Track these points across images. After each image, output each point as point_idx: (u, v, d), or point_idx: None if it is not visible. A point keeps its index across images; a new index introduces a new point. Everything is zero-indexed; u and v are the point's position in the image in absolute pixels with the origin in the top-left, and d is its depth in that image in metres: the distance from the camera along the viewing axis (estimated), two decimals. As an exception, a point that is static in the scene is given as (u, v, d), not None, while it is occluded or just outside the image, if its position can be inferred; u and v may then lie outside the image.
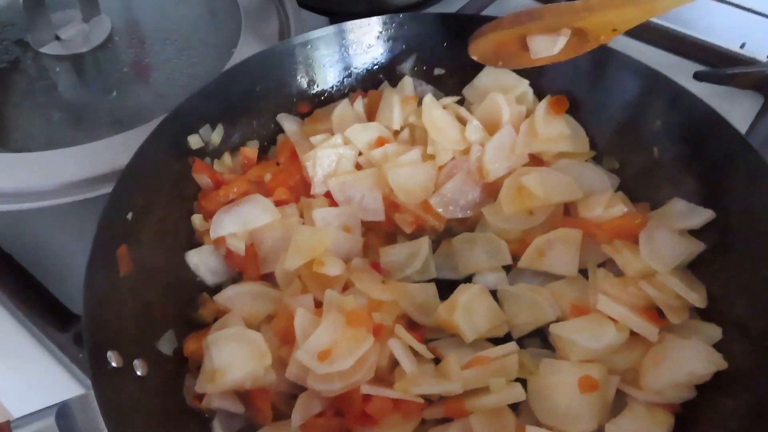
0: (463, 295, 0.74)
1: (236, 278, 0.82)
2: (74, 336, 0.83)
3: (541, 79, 0.93)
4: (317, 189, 0.85)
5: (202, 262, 0.81)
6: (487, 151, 0.85)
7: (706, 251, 0.77)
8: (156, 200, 0.80)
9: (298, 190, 0.87)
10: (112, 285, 0.70)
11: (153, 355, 0.70)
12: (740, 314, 0.71)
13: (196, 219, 0.83)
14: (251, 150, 0.89)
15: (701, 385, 0.69)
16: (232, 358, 0.68)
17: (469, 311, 0.73)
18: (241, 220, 0.79)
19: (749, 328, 0.70)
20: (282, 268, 0.76)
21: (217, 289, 0.81)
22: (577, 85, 0.91)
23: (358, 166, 0.88)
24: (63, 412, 0.58)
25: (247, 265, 0.80)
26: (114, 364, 0.64)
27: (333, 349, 0.67)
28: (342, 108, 0.91)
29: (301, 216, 0.83)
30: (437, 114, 0.89)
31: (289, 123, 0.93)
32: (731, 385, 0.68)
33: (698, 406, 0.69)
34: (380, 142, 0.87)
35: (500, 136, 0.86)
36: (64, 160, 0.86)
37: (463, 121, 0.89)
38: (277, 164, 0.89)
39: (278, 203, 0.83)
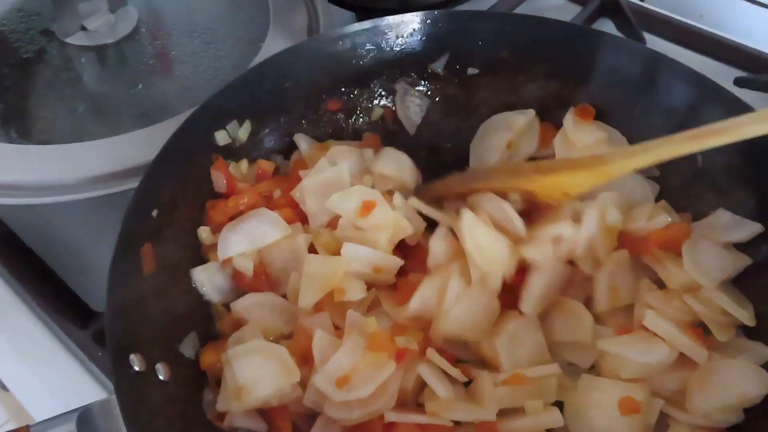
0: (511, 323, 0.70)
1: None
2: (94, 333, 0.81)
3: (577, 88, 0.89)
4: (316, 222, 0.79)
5: (208, 279, 0.76)
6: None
7: (753, 266, 0.74)
8: (182, 197, 0.77)
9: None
10: (135, 284, 0.68)
11: (175, 358, 0.68)
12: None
13: (203, 232, 0.78)
14: (268, 163, 0.85)
15: (749, 409, 0.66)
16: (258, 373, 0.65)
17: (514, 340, 0.69)
18: (250, 239, 0.75)
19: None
20: (299, 304, 0.71)
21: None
22: (614, 92, 0.87)
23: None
24: (84, 417, 0.56)
25: (256, 286, 0.76)
26: (137, 368, 0.62)
27: (352, 375, 0.64)
28: (341, 148, 0.86)
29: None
30: (481, 233, 0.72)
31: (304, 143, 0.89)
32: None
33: (745, 431, 0.65)
34: (366, 207, 0.76)
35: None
36: (88, 154, 0.84)
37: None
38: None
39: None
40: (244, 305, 0.73)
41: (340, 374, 0.63)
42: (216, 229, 0.78)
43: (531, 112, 0.90)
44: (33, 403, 0.80)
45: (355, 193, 0.77)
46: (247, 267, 0.75)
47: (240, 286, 0.76)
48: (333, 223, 0.78)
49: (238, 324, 0.72)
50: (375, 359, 0.64)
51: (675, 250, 0.75)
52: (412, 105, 0.96)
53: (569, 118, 0.86)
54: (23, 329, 0.85)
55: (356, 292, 0.71)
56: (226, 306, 0.75)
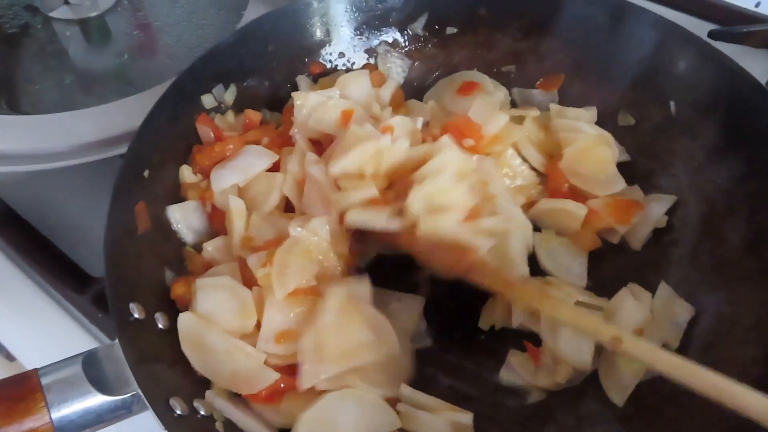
0: None
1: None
2: (92, 297, 0.84)
3: (552, 41, 0.92)
4: (297, 129, 0.82)
5: (183, 218, 0.78)
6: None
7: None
8: (172, 158, 0.80)
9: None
10: (131, 240, 0.70)
11: (173, 309, 0.71)
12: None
13: (184, 170, 0.80)
14: (255, 113, 0.87)
15: (720, 333, 0.69)
16: (218, 307, 0.68)
17: None
18: (241, 171, 0.78)
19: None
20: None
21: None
22: (588, 43, 0.90)
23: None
24: (89, 360, 0.58)
25: None
26: (136, 316, 0.65)
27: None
28: (349, 75, 0.90)
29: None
30: None
31: (305, 85, 0.92)
32: (751, 333, 0.68)
33: (718, 353, 0.69)
34: (345, 116, 0.81)
35: None
36: (77, 122, 0.86)
37: None
38: (277, 128, 0.88)
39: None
40: (215, 246, 0.76)
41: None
42: (200, 172, 0.80)
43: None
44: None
45: (332, 106, 0.81)
46: (226, 204, 0.77)
47: (215, 226, 0.78)
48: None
49: (208, 265, 0.75)
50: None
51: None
52: (394, 66, 0.98)
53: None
54: (25, 299, 0.87)
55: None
56: (197, 248, 0.77)
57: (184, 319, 0.67)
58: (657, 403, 0.69)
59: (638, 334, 0.72)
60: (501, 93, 0.91)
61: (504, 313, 0.76)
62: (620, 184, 0.83)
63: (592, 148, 0.84)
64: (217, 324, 0.67)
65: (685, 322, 0.73)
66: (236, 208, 0.76)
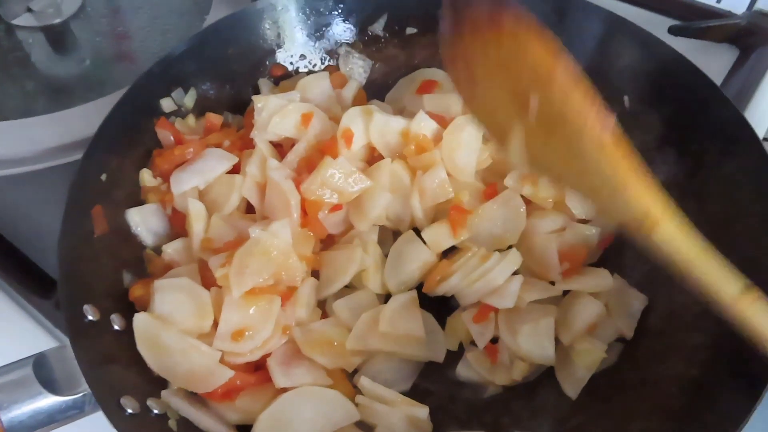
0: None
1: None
2: (56, 302, 0.84)
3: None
4: (257, 132, 0.83)
5: (143, 220, 0.79)
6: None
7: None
8: (131, 162, 0.81)
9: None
10: (86, 243, 0.71)
11: (130, 310, 0.71)
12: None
13: (144, 174, 0.81)
14: (216, 116, 0.88)
15: (667, 320, 0.71)
16: (175, 308, 0.69)
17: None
18: (201, 174, 0.79)
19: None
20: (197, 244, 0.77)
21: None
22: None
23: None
24: (40, 362, 0.59)
25: None
26: (90, 317, 0.65)
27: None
28: (310, 77, 0.91)
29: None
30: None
31: (266, 88, 0.93)
32: (698, 321, 0.69)
33: (668, 339, 0.70)
34: (305, 118, 0.83)
35: None
36: (40, 128, 0.87)
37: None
38: (238, 130, 0.89)
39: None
40: (175, 248, 0.76)
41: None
42: (161, 175, 0.81)
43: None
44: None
45: (292, 110, 0.83)
46: (186, 207, 0.78)
47: (176, 228, 0.79)
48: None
49: (168, 267, 0.76)
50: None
51: None
52: (356, 67, 0.99)
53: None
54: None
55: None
56: (157, 251, 0.78)
57: (139, 320, 0.68)
58: (608, 392, 0.71)
59: (591, 330, 0.74)
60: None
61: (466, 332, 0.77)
62: None
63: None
64: (173, 324, 0.68)
65: (638, 311, 0.75)
66: (195, 210, 0.77)
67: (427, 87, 0.93)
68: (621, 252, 0.81)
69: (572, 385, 0.72)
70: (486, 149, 0.83)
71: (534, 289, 0.75)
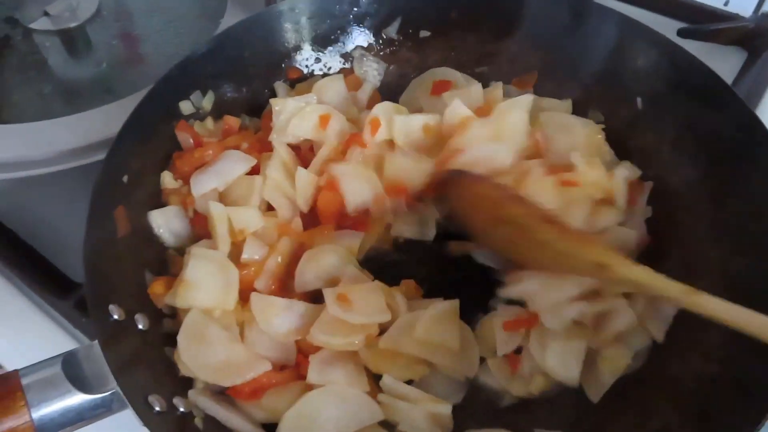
0: None
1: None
2: (76, 303, 0.84)
3: (521, 42, 0.94)
4: (275, 134, 0.84)
5: (165, 223, 0.80)
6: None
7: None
8: (151, 164, 0.81)
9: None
10: (110, 244, 0.72)
11: (154, 311, 0.72)
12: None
13: (165, 176, 0.82)
14: (234, 119, 0.89)
15: (685, 317, 0.71)
16: (204, 278, 0.71)
17: None
18: (220, 175, 0.80)
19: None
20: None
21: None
22: (555, 43, 0.92)
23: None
24: (69, 360, 0.60)
25: None
26: (116, 317, 0.66)
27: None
28: (325, 80, 0.92)
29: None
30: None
31: (282, 91, 0.94)
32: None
33: (684, 336, 0.71)
34: (323, 120, 0.85)
35: None
36: (58, 130, 0.88)
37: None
38: (255, 132, 0.90)
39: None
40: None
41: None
42: (181, 178, 0.82)
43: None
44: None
45: (310, 112, 0.84)
46: (207, 208, 0.78)
47: (198, 230, 0.80)
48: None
49: None
50: None
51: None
52: (370, 69, 1.00)
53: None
54: (9, 305, 0.88)
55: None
56: (179, 252, 0.79)
57: (192, 315, 0.70)
58: (626, 390, 0.71)
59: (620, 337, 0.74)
60: (474, 86, 0.92)
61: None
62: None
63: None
64: (200, 291, 0.71)
65: (671, 316, 0.73)
66: (217, 213, 0.77)
67: (441, 87, 0.94)
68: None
69: (595, 390, 0.72)
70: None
71: (578, 305, 0.72)
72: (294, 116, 0.84)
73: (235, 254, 0.76)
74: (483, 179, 0.78)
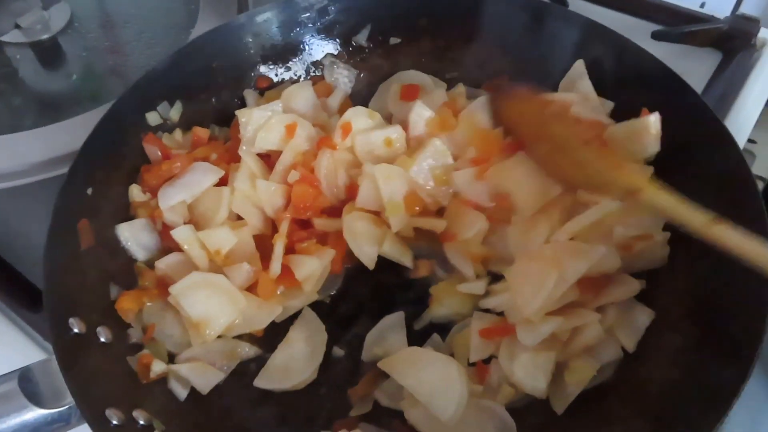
0: None
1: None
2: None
3: (490, 47, 0.95)
4: (244, 146, 0.84)
5: (133, 236, 0.80)
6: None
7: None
8: (117, 176, 0.82)
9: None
10: (72, 256, 0.72)
11: (117, 322, 0.72)
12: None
13: (134, 189, 0.82)
14: (203, 130, 0.89)
15: (653, 323, 0.72)
16: (209, 305, 0.72)
17: None
18: (188, 188, 0.80)
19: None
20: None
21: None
22: (522, 46, 0.93)
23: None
24: (25, 375, 0.60)
25: None
26: (76, 330, 0.66)
27: None
28: (293, 87, 0.92)
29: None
30: None
31: (251, 99, 0.94)
32: (681, 323, 0.70)
33: (653, 342, 0.71)
34: (289, 130, 0.85)
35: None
36: (27, 142, 0.88)
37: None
38: (225, 142, 0.90)
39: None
40: (168, 263, 0.77)
41: None
42: (149, 191, 0.82)
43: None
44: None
45: (275, 123, 0.84)
46: (176, 222, 0.79)
47: (167, 242, 0.80)
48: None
49: (161, 280, 0.76)
50: None
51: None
52: (341, 77, 1.00)
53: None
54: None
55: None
56: (148, 264, 0.79)
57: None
58: (588, 397, 0.71)
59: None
60: (441, 90, 0.93)
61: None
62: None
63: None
64: (217, 320, 0.72)
65: (644, 326, 0.73)
66: (184, 239, 0.77)
67: (411, 93, 0.94)
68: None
69: (560, 401, 0.71)
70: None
71: (554, 321, 0.71)
72: (260, 129, 0.84)
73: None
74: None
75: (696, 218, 0.64)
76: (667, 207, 0.67)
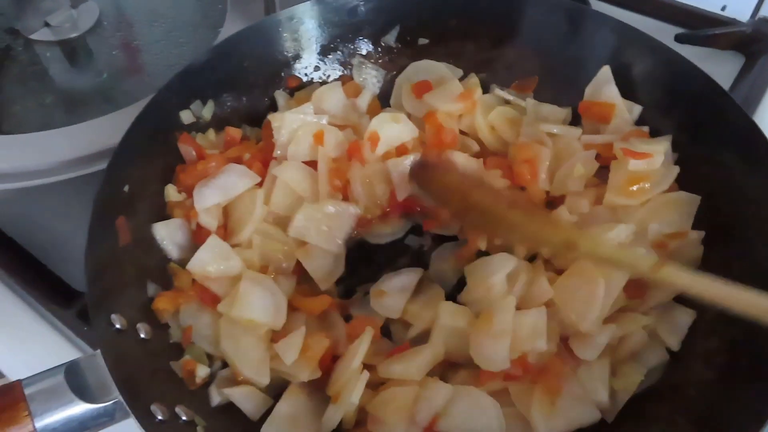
0: None
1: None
2: (78, 312, 0.85)
3: (520, 48, 0.95)
4: (279, 151, 0.86)
5: (168, 235, 0.80)
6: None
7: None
8: (152, 173, 0.82)
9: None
10: (112, 253, 0.72)
11: (156, 320, 0.72)
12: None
13: (170, 189, 0.82)
14: (236, 130, 0.90)
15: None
16: (260, 305, 0.74)
17: None
18: (222, 190, 0.80)
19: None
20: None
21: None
22: (553, 49, 0.93)
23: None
24: (72, 369, 0.60)
25: None
26: (118, 326, 0.66)
27: None
28: (323, 88, 0.93)
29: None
30: None
31: (282, 100, 0.95)
32: (715, 325, 0.71)
33: (686, 344, 0.71)
34: (317, 137, 0.86)
35: None
36: (59, 140, 0.88)
37: None
38: (257, 142, 0.90)
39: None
40: (200, 259, 0.76)
41: None
42: (185, 191, 0.82)
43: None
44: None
45: (302, 135, 0.85)
46: (211, 223, 0.79)
47: (198, 242, 0.79)
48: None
49: (197, 282, 0.76)
50: None
51: None
52: (369, 77, 1.01)
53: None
54: (11, 315, 0.88)
55: None
56: (182, 264, 0.78)
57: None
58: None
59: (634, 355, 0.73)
60: (455, 81, 0.94)
61: None
62: None
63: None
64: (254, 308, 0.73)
65: (686, 326, 0.72)
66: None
67: (422, 89, 0.94)
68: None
69: (610, 409, 0.70)
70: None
71: (608, 329, 0.70)
72: (290, 141, 0.85)
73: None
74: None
75: (640, 263, 0.63)
76: (607, 255, 0.66)
